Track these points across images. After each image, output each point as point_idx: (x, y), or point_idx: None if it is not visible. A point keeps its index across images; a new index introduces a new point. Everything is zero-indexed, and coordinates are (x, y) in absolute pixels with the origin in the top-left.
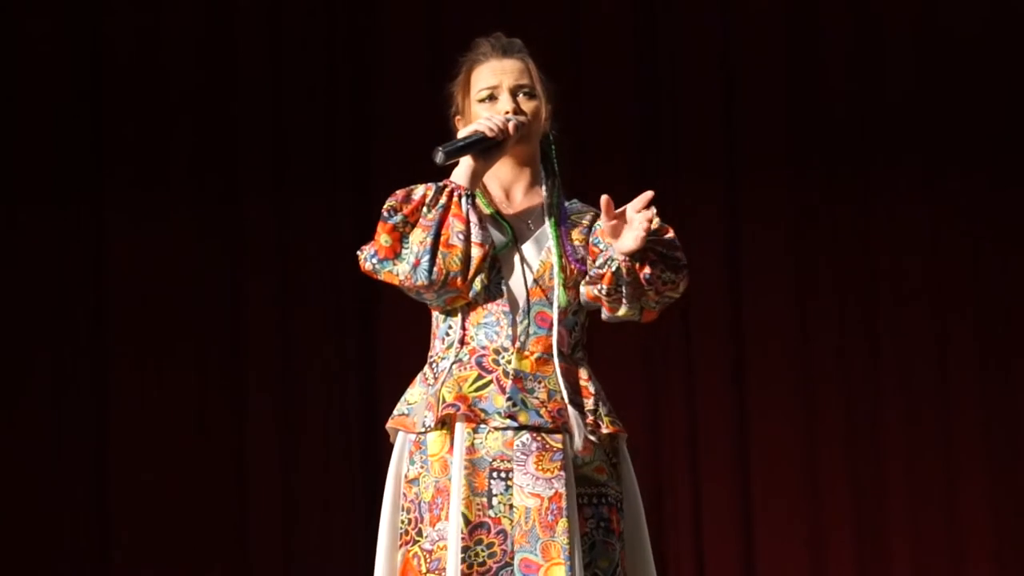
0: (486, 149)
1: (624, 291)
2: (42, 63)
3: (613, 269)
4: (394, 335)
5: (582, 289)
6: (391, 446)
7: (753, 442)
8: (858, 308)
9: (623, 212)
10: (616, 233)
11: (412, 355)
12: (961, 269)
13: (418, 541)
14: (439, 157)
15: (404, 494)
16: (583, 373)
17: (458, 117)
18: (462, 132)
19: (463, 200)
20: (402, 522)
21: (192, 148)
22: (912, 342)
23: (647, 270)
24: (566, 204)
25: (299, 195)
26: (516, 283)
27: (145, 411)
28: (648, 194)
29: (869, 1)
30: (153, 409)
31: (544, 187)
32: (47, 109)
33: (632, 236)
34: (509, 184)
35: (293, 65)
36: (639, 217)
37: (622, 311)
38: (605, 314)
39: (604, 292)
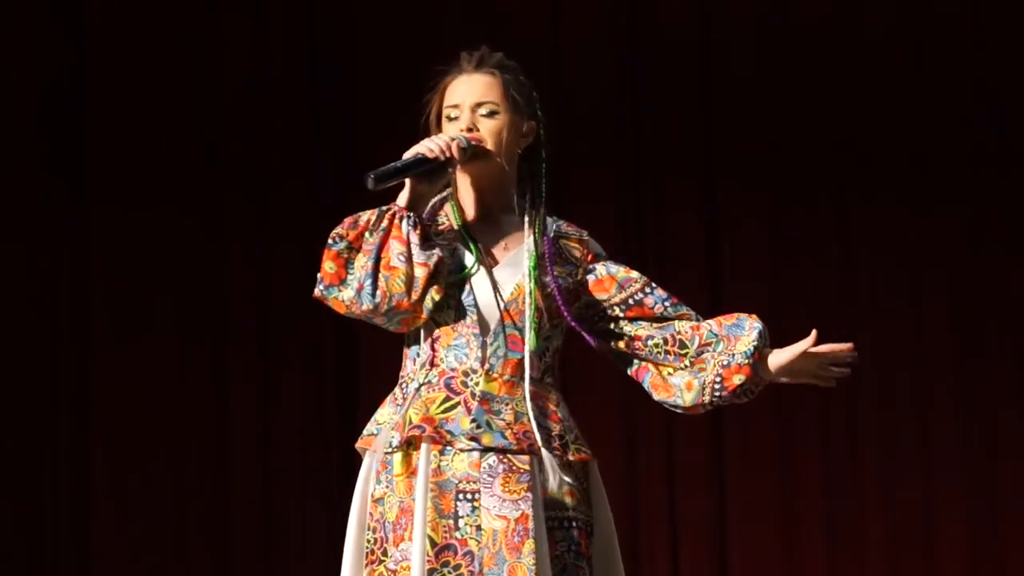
0: (429, 171)
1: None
2: (26, 58)
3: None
4: (373, 336)
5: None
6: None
7: (729, 469)
8: (839, 319)
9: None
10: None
11: (392, 358)
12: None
13: (383, 561)
14: (369, 182)
15: (371, 513)
16: (553, 398)
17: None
18: (407, 154)
19: (404, 222)
20: (368, 541)
21: (176, 145)
22: (891, 354)
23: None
24: (549, 221)
25: (280, 196)
26: (487, 305)
27: (125, 404)
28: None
29: (846, 7)
30: (134, 403)
31: (519, 208)
32: (29, 106)
33: (813, 375)
34: (483, 203)
35: (276, 68)
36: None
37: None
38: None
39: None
